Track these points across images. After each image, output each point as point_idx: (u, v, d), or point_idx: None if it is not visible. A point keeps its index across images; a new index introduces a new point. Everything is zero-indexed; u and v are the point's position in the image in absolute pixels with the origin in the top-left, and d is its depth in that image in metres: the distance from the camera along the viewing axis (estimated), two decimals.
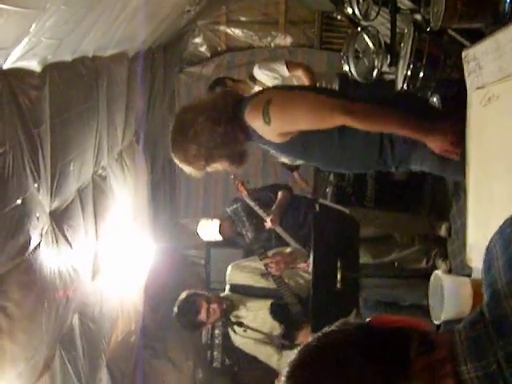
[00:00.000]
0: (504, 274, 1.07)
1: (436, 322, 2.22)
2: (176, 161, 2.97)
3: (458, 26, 3.21)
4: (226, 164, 2.95)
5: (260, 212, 5.01)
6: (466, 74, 2.26)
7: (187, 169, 2.96)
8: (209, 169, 2.94)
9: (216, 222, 5.30)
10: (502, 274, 1.07)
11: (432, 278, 2.29)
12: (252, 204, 5.00)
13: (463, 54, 2.27)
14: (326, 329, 1.11)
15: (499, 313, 1.03)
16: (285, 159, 4.49)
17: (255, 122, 2.77)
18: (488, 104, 2.07)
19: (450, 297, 2.12)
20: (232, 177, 5.19)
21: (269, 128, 2.73)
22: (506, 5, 2.71)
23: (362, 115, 2.59)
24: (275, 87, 3.68)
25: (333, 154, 2.86)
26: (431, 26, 3.17)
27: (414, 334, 1.07)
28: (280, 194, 5.24)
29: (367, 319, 1.12)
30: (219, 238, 5.34)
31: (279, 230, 4.94)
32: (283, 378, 1.08)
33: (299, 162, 3.73)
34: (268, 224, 4.90)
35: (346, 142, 2.76)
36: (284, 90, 3.01)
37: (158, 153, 6.44)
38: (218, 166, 2.95)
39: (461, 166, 2.48)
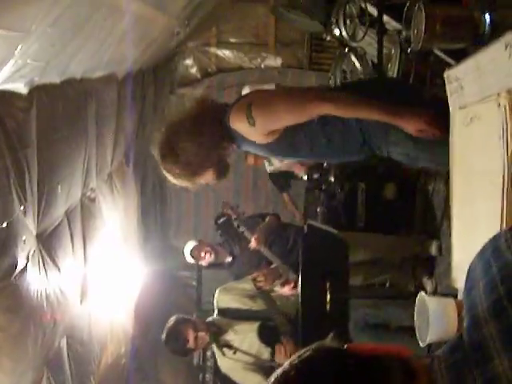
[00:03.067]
0: (484, 298, 1.05)
1: (422, 345, 2.20)
2: (166, 175, 2.98)
3: (438, 47, 3.24)
4: (212, 175, 2.97)
5: (246, 233, 4.98)
6: (449, 94, 2.28)
7: (177, 182, 2.98)
8: (197, 181, 2.97)
9: (190, 244, 5.27)
10: (482, 299, 1.05)
11: (417, 300, 2.27)
12: (238, 224, 4.98)
13: (445, 74, 2.28)
14: (303, 353, 1.08)
15: (478, 338, 1.01)
16: (271, 167, 4.48)
17: (240, 125, 2.81)
18: (470, 124, 2.08)
19: (435, 318, 2.10)
20: (222, 202, 5.19)
21: (255, 129, 2.78)
22: (486, 26, 2.75)
23: (335, 102, 2.67)
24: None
25: (319, 146, 2.91)
26: (412, 46, 3.19)
27: (395, 363, 1.04)
28: (268, 218, 5.24)
29: (344, 345, 1.09)
30: (192, 261, 5.30)
31: (264, 250, 4.90)
32: None
33: (288, 160, 3.75)
34: (252, 244, 4.86)
35: (327, 132, 2.83)
36: (263, 91, 3.12)
37: (148, 174, 6.43)
38: (205, 178, 2.97)
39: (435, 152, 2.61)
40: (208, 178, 2.98)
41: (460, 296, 2.18)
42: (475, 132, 2.06)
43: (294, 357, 1.07)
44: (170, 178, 2.99)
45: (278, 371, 1.07)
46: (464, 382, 0.98)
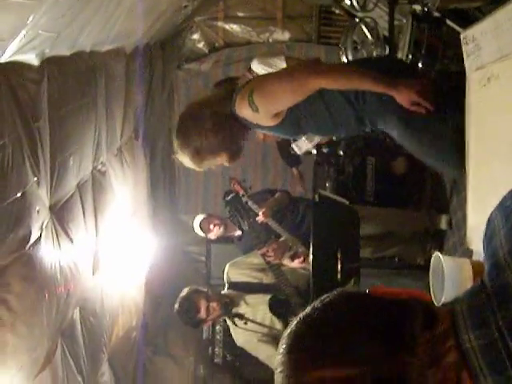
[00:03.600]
0: (505, 243, 1.06)
1: (436, 305, 2.21)
2: (180, 157, 3.12)
3: (456, 6, 3.23)
4: (225, 157, 3.11)
5: (253, 207, 5.00)
6: (465, 56, 2.28)
7: (189, 163, 3.12)
8: (209, 163, 3.12)
9: (199, 217, 5.30)
10: (503, 244, 1.07)
11: (432, 259, 2.29)
12: (246, 200, 5.00)
13: (462, 35, 2.29)
14: (325, 297, 1.09)
15: (500, 282, 1.02)
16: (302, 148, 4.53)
17: (246, 112, 2.95)
18: (488, 84, 2.08)
19: (450, 277, 2.11)
20: (228, 177, 5.21)
21: (259, 115, 2.91)
22: None
23: (329, 74, 2.77)
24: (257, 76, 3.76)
25: (322, 120, 2.99)
26: (429, 6, 3.18)
27: (418, 306, 1.06)
28: (277, 194, 5.26)
29: (366, 289, 1.10)
30: (201, 233, 5.33)
31: (272, 223, 4.92)
32: (281, 350, 1.07)
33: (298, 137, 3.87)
34: (260, 217, 4.88)
35: (328, 104, 2.90)
36: (263, 77, 3.22)
37: (157, 149, 6.45)
38: (218, 162, 3.12)
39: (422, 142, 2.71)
40: (221, 161, 3.12)
41: (474, 258, 2.20)
42: (493, 92, 2.06)
43: (316, 301, 1.09)
44: (182, 161, 3.13)
45: (300, 314, 1.09)
46: (487, 324, 1.00)
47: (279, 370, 1.05)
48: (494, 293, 1.02)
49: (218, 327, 6.44)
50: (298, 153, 4.30)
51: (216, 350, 6.52)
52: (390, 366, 0.99)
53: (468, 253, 2.31)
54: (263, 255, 4.45)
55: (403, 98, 2.64)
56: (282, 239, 4.69)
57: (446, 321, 1.04)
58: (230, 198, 4.86)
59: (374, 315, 1.05)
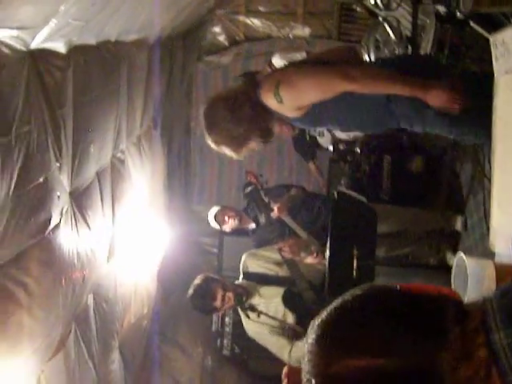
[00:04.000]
0: None
1: None
2: (212, 144, 3.21)
3: (487, 10, 3.24)
4: (257, 143, 3.21)
5: (270, 202, 5.02)
6: (494, 59, 2.29)
7: (223, 152, 3.23)
8: (243, 152, 3.21)
9: (214, 209, 5.32)
10: None
11: (455, 260, 2.30)
12: (262, 194, 5.02)
13: (491, 38, 2.30)
14: (355, 290, 1.11)
15: None
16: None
17: (270, 102, 3.03)
18: None
19: (473, 278, 2.12)
20: (244, 170, 5.24)
21: (283, 106, 3.00)
22: None
23: (360, 80, 2.81)
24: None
25: (348, 114, 3.07)
26: (460, 9, 3.20)
27: (448, 302, 1.07)
28: (293, 189, 5.28)
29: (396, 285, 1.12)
30: (216, 225, 5.35)
31: (287, 219, 4.94)
32: (310, 340, 1.08)
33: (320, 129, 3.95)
34: (275, 212, 4.90)
35: (355, 100, 2.94)
36: (291, 68, 3.21)
37: (174, 139, 6.49)
38: (251, 147, 3.21)
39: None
40: (254, 146, 3.20)
41: (497, 260, 2.21)
42: None
43: (345, 294, 1.10)
44: (215, 148, 3.23)
45: (329, 307, 1.10)
46: None
47: (308, 358, 1.06)
48: None
49: (227, 319, 6.46)
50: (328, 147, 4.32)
51: (225, 342, 6.54)
52: (421, 358, 1.01)
53: (488, 255, 2.32)
54: (279, 250, 4.47)
55: (435, 101, 2.70)
56: (299, 236, 4.71)
57: (476, 318, 1.05)
58: (249, 190, 4.88)
59: (405, 308, 1.06)
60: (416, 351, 1.02)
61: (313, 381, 1.05)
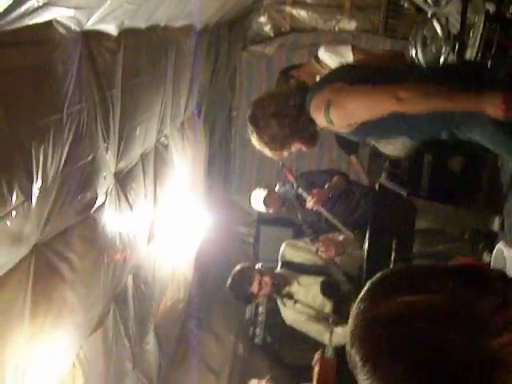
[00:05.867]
0: None
1: None
2: (256, 144, 3.27)
3: None
4: (300, 145, 3.26)
5: (304, 194, 5.05)
6: None
7: (266, 152, 3.29)
8: (284, 153, 3.28)
9: (263, 192, 5.39)
10: None
11: (494, 251, 2.31)
12: (296, 187, 5.06)
13: None
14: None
15: None
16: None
17: (320, 121, 3.06)
18: None
19: None
20: (280, 164, 5.27)
21: (333, 126, 3.04)
22: None
23: (411, 101, 2.75)
24: (336, 71, 3.74)
25: (398, 132, 3.15)
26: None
27: (495, 273, 1.10)
28: (336, 178, 5.28)
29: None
30: (263, 208, 5.42)
31: (323, 211, 4.96)
32: (360, 296, 1.12)
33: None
34: (309, 203, 4.94)
35: (409, 122, 2.92)
36: (341, 86, 3.10)
37: (216, 127, 6.53)
38: (293, 149, 3.27)
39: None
40: (297, 148, 3.26)
41: None
42: None
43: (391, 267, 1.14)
44: (257, 146, 3.29)
45: (376, 276, 1.14)
46: None
47: (356, 305, 1.11)
48: None
49: (260, 308, 6.52)
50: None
51: (257, 330, 6.60)
52: (464, 300, 1.05)
53: None
54: (316, 250, 4.52)
55: (491, 112, 2.66)
56: (340, 238, 4.73)
57: None
58: (283, 189, 4.94)
59: (453, 271, 1.11)
60: (459, 294, 1.06)
61: (361, 323, 1.09)
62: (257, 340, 6.63)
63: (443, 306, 1.04)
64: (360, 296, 1.12)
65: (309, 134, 3.20)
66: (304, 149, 3.28)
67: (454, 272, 1.09)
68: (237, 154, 7.45)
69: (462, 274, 1.08)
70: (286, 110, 3.13)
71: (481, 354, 0.99)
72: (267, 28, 7.33)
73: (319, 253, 4.51)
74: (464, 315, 1.03)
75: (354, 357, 1.07)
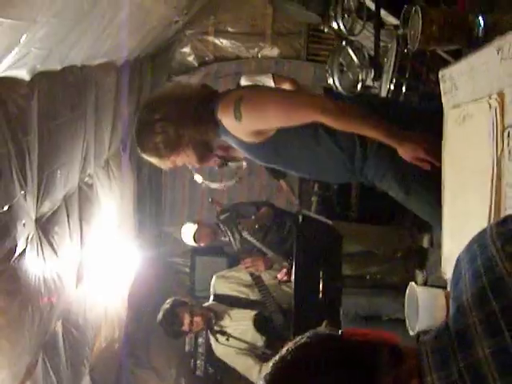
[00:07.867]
0: (469, 287, 1.11)
1: (411, 333, 2.28)
2: (142, 151, 2.87)
3: (434, 49, 3.30)
4: (191, 154, 2.78)
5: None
6: (443, 93, 2.32)
7: (153, 159, 2.85)
8: (175, 159, 2.79)
9: (193, 227, 5.32)
10: (467, 288, 1.11)
11: (407, 290, 2.35)
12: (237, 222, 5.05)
13: (440, 73, 2.33)
14: (298, 339, 1.14)
15: (463, 325, 1.07)
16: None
17: (226, 118, 2.66)
18: (463, 123, 2.13)
19: (424, 308, 2.18)
20: (210, 199, 5.24)
21: (240, 125, 2.63)
22: (480, 29, 2.83)
23: (335, 112, 2.50)
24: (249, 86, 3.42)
25: (306, 159, 2.81)
26: (409, 47, 3.24)
27: (384, 347, 1.10)
28: (263, 209, 5.30)
29: (340, 330, 1.15)
30: (193, 243, 5.35)
31: (252, 239, 4.95)
32: None
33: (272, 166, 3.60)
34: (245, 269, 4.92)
35: (321, 145, 2.69)
36: (258, 88, 2.95)
37: (144, 161, 6.44)
38: (183, 156, 2.79)
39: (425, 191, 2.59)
40: (186, 159, 2.82)
41: (449, 287, 2.25)
42: (467, 130, 2.11)
43: (290, 343, 1.14)
44: (144, 154, 2.88)
45: (276, 357, 1.13)
46: (448, 366, 1.04)
47: None
48: (456, 335, 1.08)
49: (200, 340, 6.43)
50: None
51: (198, 362, 6.50)
52: None
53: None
54: (246, 268, 4.50)
55: (408, 154, 2.48)
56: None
57: (411, 360, 1.09)
58: (223, 217, 4.90)
59: (344, 357, 1.10)
60: None
61: None
62: (198, 372, 6.53)
63: None
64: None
65: (203, 144, 2.77)
66: (195, 163, 2.86)
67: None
68: (168, 186, 7.40)
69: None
70: (189, 110, 2.69)
71: None
72: (191, 58, 7.33)
73: (248, 268, 4.50)
74: None
75: None
